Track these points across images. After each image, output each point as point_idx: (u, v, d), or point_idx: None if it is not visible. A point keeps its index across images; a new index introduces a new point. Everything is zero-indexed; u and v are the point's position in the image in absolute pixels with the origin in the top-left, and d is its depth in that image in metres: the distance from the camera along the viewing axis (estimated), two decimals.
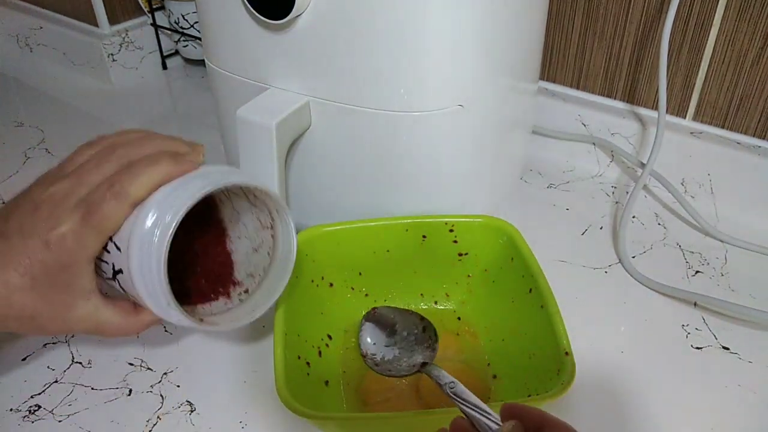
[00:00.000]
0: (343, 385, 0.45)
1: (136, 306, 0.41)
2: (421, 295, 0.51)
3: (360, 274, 0.50)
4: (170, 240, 0.36)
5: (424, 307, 0.51)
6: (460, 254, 0.49)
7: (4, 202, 0.66)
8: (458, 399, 0.34)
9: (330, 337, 0.47)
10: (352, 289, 0.50)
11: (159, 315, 0.39)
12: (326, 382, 0.44)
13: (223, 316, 0.42)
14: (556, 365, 0.39)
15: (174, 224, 0.36)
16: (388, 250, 0.49)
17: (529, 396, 0.40)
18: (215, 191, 0.38)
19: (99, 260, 0.39)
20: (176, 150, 0.40)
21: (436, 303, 0.51)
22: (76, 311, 0.39)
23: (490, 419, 0.31)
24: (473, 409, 0.32)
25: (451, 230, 0.49)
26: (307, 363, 0.43)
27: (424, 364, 0.42)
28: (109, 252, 0.38)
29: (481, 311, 0.49)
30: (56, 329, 0.40)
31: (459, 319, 0.50)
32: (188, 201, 0.36)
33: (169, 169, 0.38)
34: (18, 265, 0.37)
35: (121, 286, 0.39)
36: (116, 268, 0.38)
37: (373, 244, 0.49)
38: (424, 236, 0.49)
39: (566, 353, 0.39)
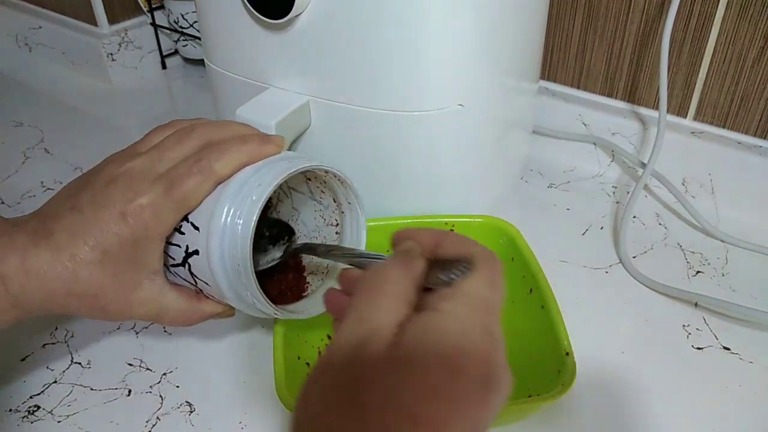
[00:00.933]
0: None
1: (199, 295, 0.41)
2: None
3: None
4: (257, 218, 0.35)
5: None
6: None
7: (3, 202, 0.66)
8: (344, 256, 0.34)
9: (330, 338, 0.47)
10: None
11: (230, 301, 0.38)
12: None
13: (296, 305, 0.42)
14: (556, 365, 0.39)
15: (262, 201, 0.35)
16: (387, 250, 0.48)
17: (530, 396, 0.40)
18: (301, 172, 0.37)
19: (168, 244, 0.38)
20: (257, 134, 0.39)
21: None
22: (140, 292, 0.38)
23: (374, 258, 0.31)
24: (363, 257, 0.32)
25: (452, 230, 0.49)
26: (307, 363, 0.43)
27: (295, 251, 0.42)
28: (183, 233, 0.37)
29: None
30: (118, 311, 0.38)
31: None
32: (275, 179, 0.36)
33: (257, 148, 0.37)
34: (89, 237, 0.35)
35: (190, 271, 0.38)
36: (190, 250, 0.37)
37: (373, 244, 0.49)
38: None
39: (567, 353, 0.39)
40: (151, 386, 0.46)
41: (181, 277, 0.39)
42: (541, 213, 0.62)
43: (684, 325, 0.50)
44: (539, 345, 0.42)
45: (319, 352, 0.45)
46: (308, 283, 0.45)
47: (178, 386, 0.46)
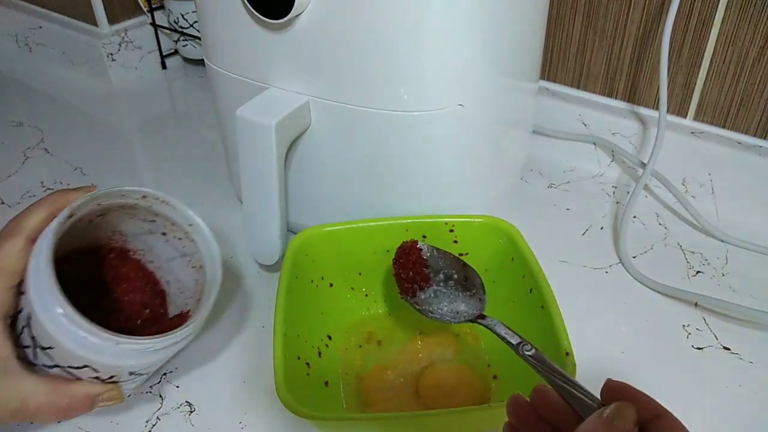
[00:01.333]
0: (343, 385, 0.45)
1: (68, 378, 0.36)
2: None
3: (360, 274, 0.50)
4: (54, 242, 0.34)
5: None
6: (461, 254, 0.49)
7: (3, 202, 0.66)
8: (540, 365, 0.31)
9: (330, 338, 0.47)
10: (352, 289, 0.50)
11: (78, 358, 0.35)
12: (326, 383, 0.44)
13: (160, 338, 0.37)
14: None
15: (54, 227, 0.34)
16: (387, 250, 0.48)
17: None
18: (91, 202, 0.37)
19: (20, 336, 0.36)
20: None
21: None
22: None
23: (581, 393, 0.28)
24: (560, 379, 0.29)
25: (452, 230, 0.49)
26: (307, 363, 0.43)
27: (481, 316, 0.40)
28: (21, 310, 0.35)
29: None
30: None
31: None
32: (66, 211, 0.35)
33: (60, 195, 0.36)
34: None
35: (38, 345, 0.35)
36: (27, 318, 0.35)
37: (373, 245, 0.49)
38: (424, 236, 0.49)
39: (567, 353, 0.39)
40: (151, 386, 0.46)
41: (41, 363, 0.36)
42: (541, 213, 0.62)
43: (684, 325, 0.50)
44: (539, 345, 0.41)
45: (319, 353, 0.45)
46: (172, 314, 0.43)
47: (178, 386, 0.46)
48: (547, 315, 0.42)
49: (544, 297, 0.43)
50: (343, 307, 0.49)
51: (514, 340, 0.35)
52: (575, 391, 0.28)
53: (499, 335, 0.37)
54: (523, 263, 0.46)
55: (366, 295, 0.50)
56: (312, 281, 0.48)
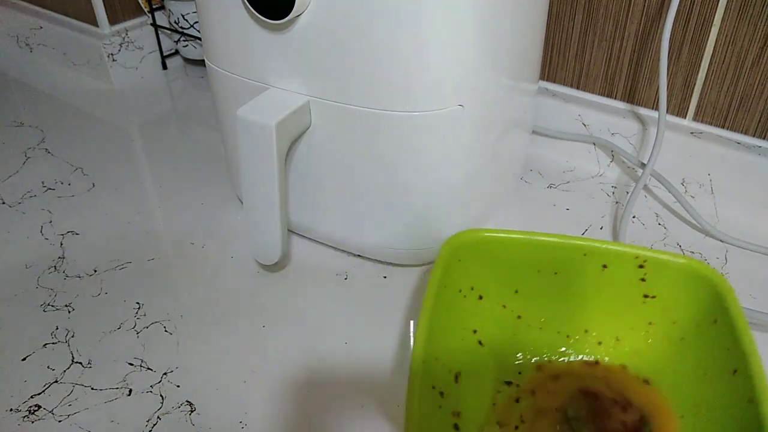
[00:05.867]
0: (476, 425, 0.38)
1: None
2: (585, 331, 0.43)
3: (516, 291, 0.43)
4: None
5: (585, 347, 0.42)
6: (646, 296, 0.41)
7: (4, 202, 0.66)
8: None
9: (481, 343, 0.42)
10: (504, 306, 0.43)
11: None
12: (455, 426, 0.37)
13: None
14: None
15: None
16: (556, 273, 0.42)
17: None
18: None
19: None
20: None
21: (600, 344, 0.42)
22: None
23: None
24: None
25: (641, 266, 0.41)
26: (441, 393, 0.36)
27: None
28: None
29: (657, 370, 0.40)
30: None
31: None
32: None
33: None
34: None
35: None
36: None
37: (539, 262, 0.42)
38: (604, 266, 0.41)
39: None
40: (151, 386, 0.46)
41: None
42: (541, 213, 0.63)
43: None
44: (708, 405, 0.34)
45: (456, 377, 0.38)
46: None
47: (178, 386, 0.46)
48: (753, 413, 0.31)
49: (754, 385, 0.32)
50: (488, 323, 0.43)
51: None
52: None
53: None
54: (729, 330, 0.36)
55: (518, 317, 0.43)
56: (460, 291, 0.42)
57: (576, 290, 0.42)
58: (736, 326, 0.35)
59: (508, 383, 0.41)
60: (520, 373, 0.41)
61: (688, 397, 0.35)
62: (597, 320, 0.42)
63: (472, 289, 0.42)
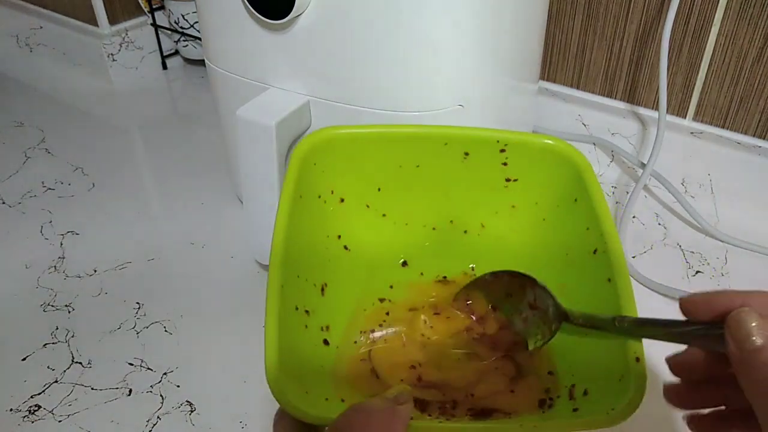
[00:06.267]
0: (344, 339, 0.36)
1: None
2: (451, 222, 0.41)
3: (379, 189, 0.41)
4: None
5: (451, 238, 0.41)
6: (508, 179, 0.40)
7: (4, 202, 0.66)
8: (648, 330, 0.26)
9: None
10: (367, 206, 0.41)
11: None
12: (325, 341, 0.35)
13: None
14: (619, 369, 0.29)
15: None
16: (418, 165, 0.40)
17: (575, 410, 0.31)
18: None
19: None
20: None
21: (466, 233, 0.41)
22: None
23: (697, 328, 0.24)
24: (667, 327, 0.25)
25: (503, 150, 0.39)
26: (306, 311, 0.34)
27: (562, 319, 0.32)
28: None
29: (522, 254, 0.39)
30: None
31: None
32: None
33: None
34: None
35: None
36: None
37: (400, 156, 0.40)
38: (466, 153, 0.39)
39: (637, 359, 0.29)
40: (151, 386, 0.46)
41: None
42: None
43: None
44: (597, 335, 0.32)
45: (322, 289, 0.36)
46: None
47: (178, 386, 0.46)
48: (614, 292, 0.31)
49: (612, 265, 0.32)
50: (353, 227, 0.40)
51: (608, 319, 0.28)
52: (693, 330, 0.25)
53: (584, 325, 0.30)
54: (589, 209, 0.35)
55: (383, 215, 0.41)
56: (319, 196, 0.39)
57: (439, 181, 0.40)
58: (595, 206, 0.35)
59: (381, 300, 0.39)
60: (391, 287, 0.40)
61: (552, 278, 0.35)
62: (461, 209, 0.41)
63: (332, 192, 0.40)
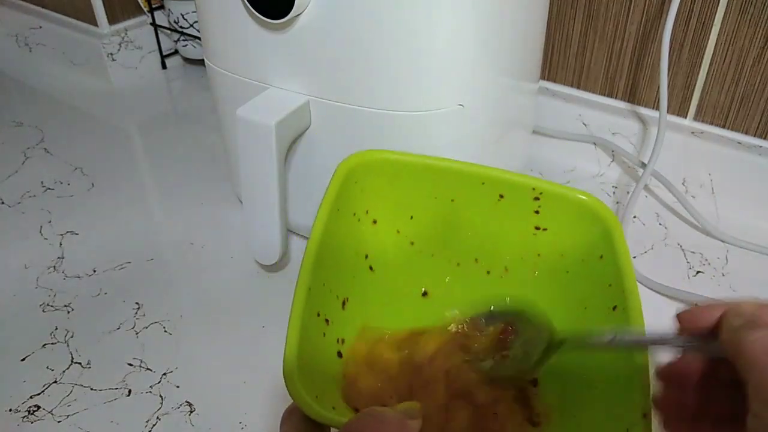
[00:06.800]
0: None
1: None
2: (476, 260, 0.42)
3: (411, 217, 0.42)
4: None
5: (473, 276, 0.42)
6: (538, 227, 0.40)
7: (3, 202, 0.66)
8: (639, 343, 0.27)
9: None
10: (398, 232, 0.42)
11: None
12: (339, 353, 0.36)
13: None
14: (625, 425, 0.29)
15: None
16: (452, 200, 0.41)
17: None
18: None
19: None
20: None
21: (488, 273, 0.42)
22: None
23: (688, 341, 0.25)
24: (659, 341, 0.26)
25: (537, 198, 0.40)
26: (326, 320, 0.35)
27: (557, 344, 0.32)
28: None
29: (541, 301, 0.39)
30: None
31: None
32: None
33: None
34: None
35: None
36: None
37: (437, 188, 0.41)
38: (501, 195, 0.40)
39: (644, 415, 0.28)
40: (151, 386, 0.46)
41: None
42: None
43: None
44: (607, 382, 0.32)
45: (344, 303, 0.37)
46: None
47: (178, 386, 0.46)
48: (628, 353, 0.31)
49: (629, 322, 0.32)
50: (381, 249, 0.41)
51: (605, 339, 0.28)
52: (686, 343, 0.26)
53: (583, 346, 0.30)
54: (614, 266, 0.35)
55: (411, 243, 0.42)
56: (354, 214, 0.40)
57: (471, 219, 0.41)
58: (620, 264, 0.35)
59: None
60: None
61: (568, 329, 0.35)
62: (488, 250, 0.42)
63: (367, 212, 0.41)
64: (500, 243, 0.41)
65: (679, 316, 0.26)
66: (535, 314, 0.35)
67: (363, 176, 0.40)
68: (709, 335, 0.25)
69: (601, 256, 0.37)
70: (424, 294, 0.42)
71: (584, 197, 0.39)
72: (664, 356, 0.27)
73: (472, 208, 0.41)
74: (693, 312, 0.26)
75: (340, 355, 0.36)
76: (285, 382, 0.29)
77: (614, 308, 0.34)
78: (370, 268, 0.41)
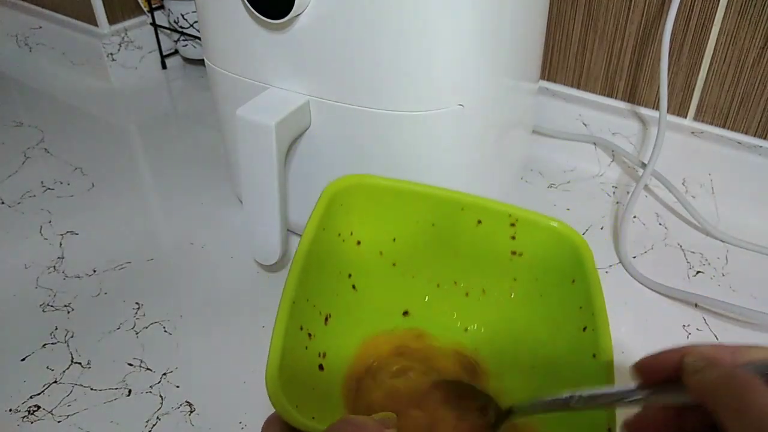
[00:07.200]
0: (337, 366, 0.39)
1: None
2: (455, 282, 0.44)
3: (394, 240, 0.43)
4: None
5: (452, 297, 0.44)
6: (514, 252, 0.42)
7: (3, 202, 0.66)
8: (599, 401, 0.27)
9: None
10: (381, 253, 0.43)
11: None
12: (320, 366, 0.38)
13: None
14: None
15: None
16: (433, 224, 0.43)
17: None
18: None
19: None
20: None
21: (467, 295, 0.44)
22: None
23: (651, 389, 0.25)
24: (621, 395, 0.26)
25: (513, 225, 0.42)
26: (309, 334, 0.37)
27: (507, 413, 0.33)
28: None
29: (515, 323, 0.42)
30: None
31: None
32: None
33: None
34: None
35: None
36: None
37: (419, 213, 0.43)
38: (479, 221, 0.42)
39: (609, 430, 0.29)
40: (151, 386, 0.46)
41: None
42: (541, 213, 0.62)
43: (684, 326, 0.50)
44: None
45: (326, 319, 0.38)
46: None
47: (178, 386, 0.46)
48: (598, 368, 0.33)
49: (599, 341, 0.34)
50: (364, 270, 0.43)
51: (562, 400, 0.28)
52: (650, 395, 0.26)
53: (528, 413, 0.30)
54: (585, 290, 0.37)
55: (393, 265, 0.44)
56: (339, 234, 0.42)
57: (450, 242, 0.43)
58: (590, 287, 0.37)
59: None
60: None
61: (541, 348, 0.37)
62: (466, 272, 0.44)
63: (351, 234, 0.42)
64: (479, 266, 0.43)
65: (636, 367, 0.26)
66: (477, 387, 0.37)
67: (348, 198, 0.42)
68: (670, 383, 0.25)
69: (573, 281, 0.39)
70: (405, 313, 0.44)
71: (555, 224, 0.41)
72: (628, 411, 0.27)
73: (451, 232, 0.43)
74: (649, 360, 0.26)
75: (321, 368, 0.38)
76: (267, 390, 0.30)
77: (584, 329, 0.36)
78: (353, 287, 0.43)
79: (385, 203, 0.42)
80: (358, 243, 0.43)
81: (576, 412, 0.28)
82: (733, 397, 0.22)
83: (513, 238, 0.42)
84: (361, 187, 0.42)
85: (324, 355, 0.38)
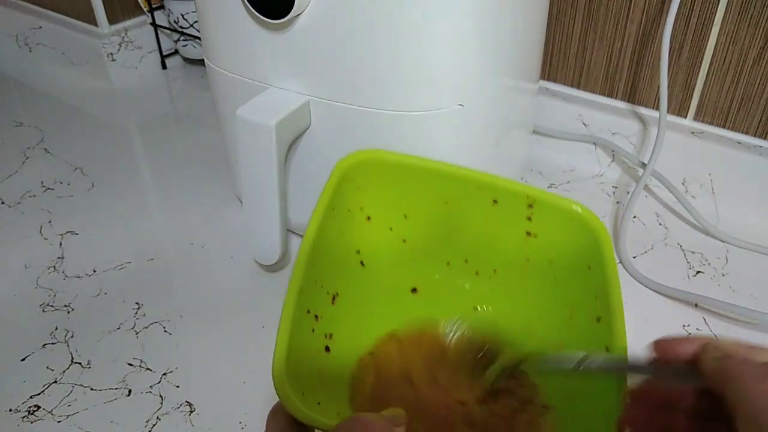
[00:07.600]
0: (346, 350, 0.38)
1: None
2: (465, 261, 0.43)
3: (405, 216, 0.42)
4: None
5: (462, 276, 0.43)
6: (529, 233, 0.41)
7: (3, 202, 0.66)
8: (605, 369, 0.27)
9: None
10: (391, 229, 0.43)
11: None
12: (327, 348, 0.37)
13: None
14: None
15: None
16: (446, 202, 0.41)
17: None
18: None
19: None
20: None
21: (477, 274, 0.43)
22: None
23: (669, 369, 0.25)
24: (629, 368, 0.26)
25: (530, 206, 0.40)
26: (316, 316, 0.35)
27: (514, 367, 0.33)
28: None
29: (527, 307, 0.41)
30: None
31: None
32: None
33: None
34: None
35: None
36: None
37: (431, 190, 0.41)
38: (495, 200, 0.41)
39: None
40: (151, 386, 0.46)
41: None
42: None
43: (684, 326, 0.50)
44: (582, 396, 0.33)
45: (333, 298, 0.38)
46: None
47: (178, 386, 0.46)
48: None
49: (613, 334, 0.32)
50: (373, 246, 0.42)
51: (575, 359, 0.28)
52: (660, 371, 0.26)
53: (551, 370, 0.30)
54: (601, 279, 0.35)
55: (403, 241, 0.43)
56: (349, 210, 0.41)
57: (463, 221, 0.42)
58: (607, 276, 0.35)
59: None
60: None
61: (552, 336, 0.36)
62: (478, 251, 0.42)
63: (362, 209, 0.41)
64: (491, 245, 0.42)
65: (656, 344, 0.27)
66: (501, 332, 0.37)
67: (359, 174, 0.40)
68: (682, 366, 0.25)
69: (590, 267, 0.37)
70: (414, 290, 0.43)
71: (578, 208, 0.39)
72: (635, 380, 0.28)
73: (465, 210, 0.42)
74: (670, 342, 0.26)
75: (327, 349, 0.37)
76: (274, 383, 0.30)
77: (598, 320, 0.35)
78: (362, 263, 0.42)
79: (398, 179, 0.41)
80: (368, 218, 0.42)
81: (586, 379, 0.28)
82: (749, 382, 0.22)
83: (529, 219, 0.41)
84: (372, 163, 0.41)
85: (330, 336, 0.37)
